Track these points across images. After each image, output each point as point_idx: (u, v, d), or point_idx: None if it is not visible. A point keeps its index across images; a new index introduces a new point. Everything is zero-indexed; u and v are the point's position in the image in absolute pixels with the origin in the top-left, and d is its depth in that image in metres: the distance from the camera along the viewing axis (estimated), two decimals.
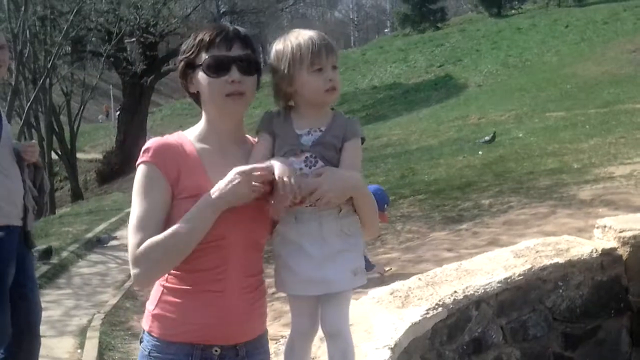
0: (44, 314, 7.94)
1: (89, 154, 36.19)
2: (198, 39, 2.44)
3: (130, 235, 2.38)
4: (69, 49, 26.82)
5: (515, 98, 24.13)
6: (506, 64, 33.79)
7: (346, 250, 2.49)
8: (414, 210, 10.68)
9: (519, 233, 8.01)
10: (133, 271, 2.37)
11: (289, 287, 2.53)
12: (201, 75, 2.43)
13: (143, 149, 2.44)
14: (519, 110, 21.29)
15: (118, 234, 13.96)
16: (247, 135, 2.61)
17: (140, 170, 2.42)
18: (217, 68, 2.40)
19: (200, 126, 2.54)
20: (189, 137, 2.52)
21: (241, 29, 2.49)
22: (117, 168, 29.82)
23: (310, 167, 2.44)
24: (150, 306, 2.53)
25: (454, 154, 15.45)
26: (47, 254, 10.53)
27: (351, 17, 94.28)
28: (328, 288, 2.49)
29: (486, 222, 9.16)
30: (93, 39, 28.87)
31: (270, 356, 2.72)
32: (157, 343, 2.48)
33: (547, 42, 35.58)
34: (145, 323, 2.53)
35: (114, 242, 12.55)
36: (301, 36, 2.46)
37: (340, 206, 2.46)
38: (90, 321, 7.73)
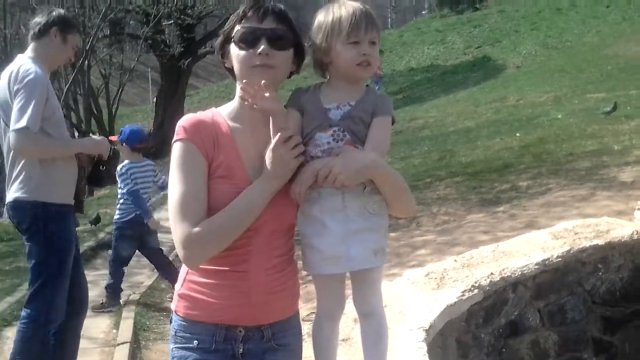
0: None
1: None
2: (236, 13, 2.43)
3: (176, 216, 2.35)
4: (108, 31, 26.98)
5: (554, 79, 23.78)
6: (546, 45, 33.31)
7: (369, 230, 2.46)
8: (451, 193, 10.57)
9: (558, 215, 7.88)
10: (184, 252, 2.35)
11: (313, 266, 2.51)
12: (233, 48, 2.42)
13: (178, 126, 2.43)
14: (558, 91, 20.96)
15: (155, 216, 14.00)
16: None
17: (177, 149, 2.40)
18: (248, 39, 2.37)
19: (233, 104, 2.51)
20: (223, 114, 2.49)
21: (278, 5, 2.45)
22: (155, 150, 29.99)
23: (337, 141, 2.42)
24: (177, 286, 2.54)
25: (492, 136, 15.27)
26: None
27: None
28: (349, 266, 2.47)
29: (524, 204, 9.04)
30: (131, 21, 28.97)
31: (303, 337, 2.70)
32: (183, 322, 2.48)
33: (587, 23, 34.98)
34: (173, 303, 2.55)
35: None
36: (344, 7, 2.44)
37: (365, 183, 2.43)
38: (125, 302, 7.77)
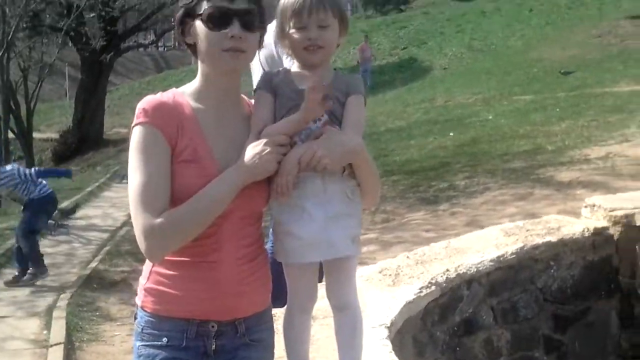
0: (10, 294, 7.73)
1: (44, 133, 35.39)
2: None
3: (136, 206, 2.18)
4: (26, 23, 26.08)
5: (481, 81, 24.10)
6: (471, 47, 33.77)
7: (348, 215, 2.37)
8: (388, 191, 10.51)
9: (498, 214, 7.93)
10: (146, 245, 2.17)
11: (291, 254, 2.39)
12: (199, 26, 2.25)
13: (139, 108, 2.25)
14: (486, 93, 21.24)
15: (80, 213, 13.64)
16: (242, 95, 2.44)
17: (138, 133, 2.23)
18: (218, 20, 2.22)
19: (195, 83, 2.36)
20: (185, 94, 2.33)
21: None
22: (74, 147, 29.30)
23: (315, 122, 2.30)
24: (142, 279, 2.35)
25: (425, 136, 15.33)
26: None
27: None
28: (331, 252, 2.36)
29: (463, 203, 9.07)
30: (48, 15, 27.98)
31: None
32: (151, 319, 2.30)
33: (512, 26, 35.58)
34: (139, 297, 2.36)
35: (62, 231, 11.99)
36: None
37: (344, 167, 2.34)
38: (56, 301, 7.45)
